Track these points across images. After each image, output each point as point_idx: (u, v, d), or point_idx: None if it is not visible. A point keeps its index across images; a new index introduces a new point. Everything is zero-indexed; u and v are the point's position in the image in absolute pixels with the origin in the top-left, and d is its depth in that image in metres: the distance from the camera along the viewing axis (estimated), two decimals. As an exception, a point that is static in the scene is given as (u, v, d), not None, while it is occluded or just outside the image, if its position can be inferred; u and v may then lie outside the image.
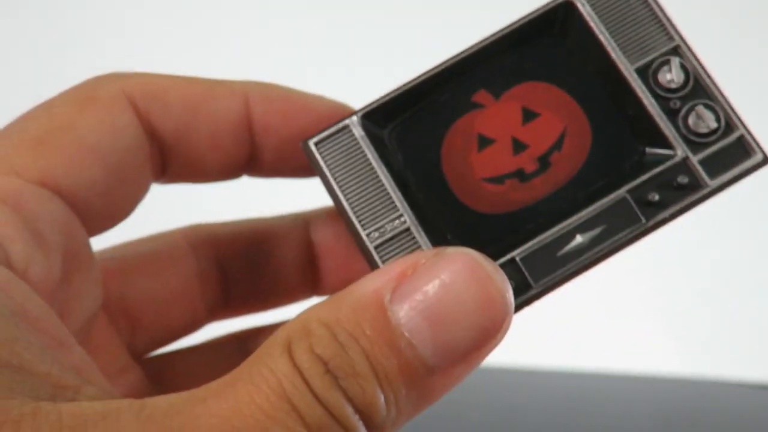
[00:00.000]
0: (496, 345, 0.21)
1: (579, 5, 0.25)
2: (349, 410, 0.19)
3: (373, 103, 0.25)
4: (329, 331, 0.20)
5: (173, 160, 0.27)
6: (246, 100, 0.27)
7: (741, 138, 0.24)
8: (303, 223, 0.31)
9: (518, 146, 0.25)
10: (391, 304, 0.20)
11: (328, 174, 0.24)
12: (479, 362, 0.21)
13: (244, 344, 0.30)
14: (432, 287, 0.20)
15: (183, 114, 0.26)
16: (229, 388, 0.19)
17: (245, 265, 0.30)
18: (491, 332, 0.21)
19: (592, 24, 0.24)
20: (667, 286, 0.60)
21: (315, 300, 0.31)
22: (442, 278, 0.21)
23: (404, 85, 0.25)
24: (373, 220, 0.24)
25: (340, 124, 0.25)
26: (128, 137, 0.25)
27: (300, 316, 0.21)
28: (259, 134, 0.27)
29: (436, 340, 0.20)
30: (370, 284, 0.21)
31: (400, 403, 0.20)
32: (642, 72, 0.24)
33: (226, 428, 0.19)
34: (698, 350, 0.59)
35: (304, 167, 0.27)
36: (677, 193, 0.24)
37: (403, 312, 0.20)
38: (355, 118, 0.25)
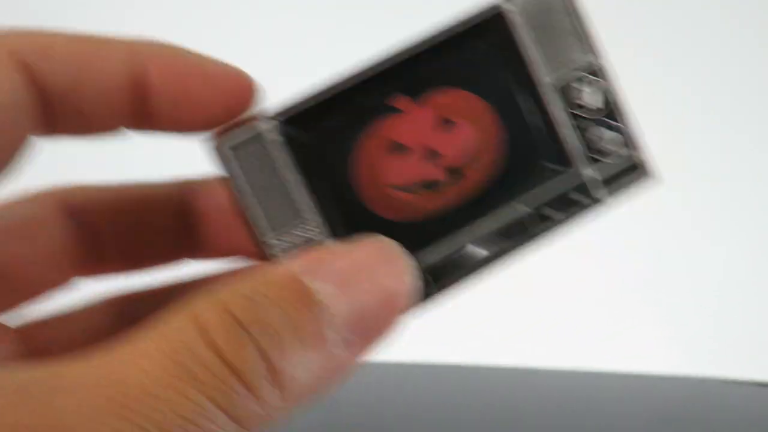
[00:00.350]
0: (400, 319, 0.23)
1: (506, 13, 0.24)
2: (258, 366, 0.20)
3: (288, 104, 0.24)
4: (244, 296, 0.21)
5: (61, 115, 0.26)
6: (134, 58, 0.26)
7: (638, 158, 0.25)
8: (181, 189, 0.30)
9: (431, 155, 0.24)
10: (304, 277, 0.21)
11: (237, 176, 0.23)
12: (384, 336, 0.22)
13: (121, 309, 0.30)
14: (345, 263, 0.22)
15: (69, 70, 0.25)
16: (120, 345, 0.19)
17: (118, 230, 0.30)
18: (398, 302, 0.22)
19: (515, 34, 0.24)
20: (670, 286, 0.62)
21: (191, 263, 0.31)
22: (355, 256, 0.22)
23: (321, 86, 0.24)
24: (281, 226, 0.23)
25: (254, 127, 0.23)
26: (2, 93, 0.24)
27: (206, 298, 0.21)
28: (149, 92, 0.26)
29: (350, 304, 0.21)
30: (280, 266, 0.21)
31: (310, 365, 0.21)
32: (557, 87, 0.25)
33: (111, 382, 0.19)
34: (699, 349, 0.61)
35: (195, 126, 0.26)
36: (572, 208, 0.25)
37: (318, 283, 0.21)
38: (269, 119, 0.23)
